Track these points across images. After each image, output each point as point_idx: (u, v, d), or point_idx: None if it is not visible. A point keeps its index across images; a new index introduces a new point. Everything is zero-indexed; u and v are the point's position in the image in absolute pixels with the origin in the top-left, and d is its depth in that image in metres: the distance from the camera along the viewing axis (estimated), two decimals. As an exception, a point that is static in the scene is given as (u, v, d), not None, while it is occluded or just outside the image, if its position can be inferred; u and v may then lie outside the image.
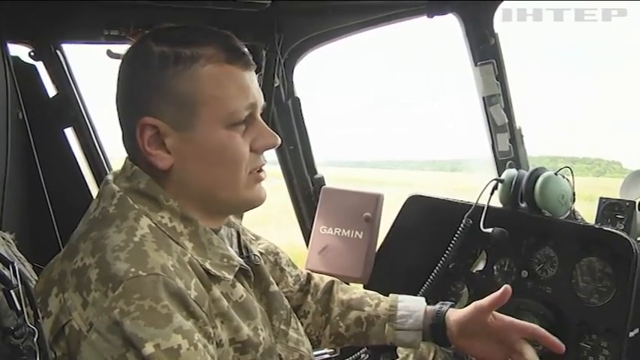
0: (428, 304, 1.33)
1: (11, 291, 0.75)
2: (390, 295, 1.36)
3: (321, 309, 1.35)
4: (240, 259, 1.03)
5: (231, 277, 0.99)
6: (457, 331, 1.26)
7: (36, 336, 0.76)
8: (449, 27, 1.82)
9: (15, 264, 0.79)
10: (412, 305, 1.31)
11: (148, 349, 0.79)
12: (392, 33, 2.04)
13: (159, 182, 0.97)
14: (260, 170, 1.03)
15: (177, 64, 0.94)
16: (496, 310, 1.26)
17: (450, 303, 1.31)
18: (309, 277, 1.38)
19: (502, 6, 1.76)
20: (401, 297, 1.34)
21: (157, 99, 0.95)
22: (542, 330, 1.23)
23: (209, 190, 0.99)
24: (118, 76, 1.00)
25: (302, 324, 1.25)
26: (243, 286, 1.04)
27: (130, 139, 0.98)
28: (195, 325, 0.86)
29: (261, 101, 1.03)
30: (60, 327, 0.85)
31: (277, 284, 1.20)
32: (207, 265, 0.95)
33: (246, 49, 1.01)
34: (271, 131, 1.03)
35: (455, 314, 1.28)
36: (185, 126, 0.95)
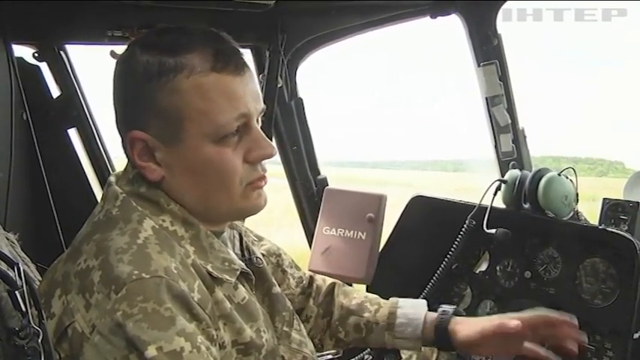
0: (430, 305, 1.32)
1: (16, 292, 0.75)
2: (391, 299, 1.34)
3: (322, 312, 1.34)
4: (241, 262, 1.03)
5: (233, 280, 0.98)
6: (466, 343, 1.24)
7: (40, 337, 0.76)
8: (452, 27, 1.82)
9: (20, 265, 0.79)
10: (411, 312, 1.29)
11: (151, 351, 0.79)
12: (396, 33, 2.04)
13: (159, 187, 0.97)
14: (260, 178, 1.00)
15: (161, 77, 0.91)
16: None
17: (451, 309, 1.28)
18: (311, 280, 1.38)
19: (502, 6, 1.76)
20: (401, 302, 1.32)
21: (143, 113, 0.94)
22: (548, 315, 1.24)
23: (203, 202, 0.97)
24: (112, 83, 0.99)
25: (305, 328, 1.25)
26: (245, 288, 1.03)
27: (124, 149, 0.99)
28: (198, 328, 0.86)
29: (257, 107, 0.98)
30: (63, 329, 0.85)
31: (279, 286, 1.20)
32: (209, 269, 0.95)
33: (238, 51, 0.97)
34: (267, 141, 0.98)
35: (463, 330, 1.23)
36: (172, 141, 0.94)
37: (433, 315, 1.28)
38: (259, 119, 1.01)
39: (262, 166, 1.00)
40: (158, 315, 0.82)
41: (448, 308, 1.28)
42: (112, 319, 0.81)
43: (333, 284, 1.38)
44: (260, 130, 0.99)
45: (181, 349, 0.81)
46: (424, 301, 1.33)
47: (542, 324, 1.23)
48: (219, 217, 1.01)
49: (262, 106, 1.01)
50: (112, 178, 1.01)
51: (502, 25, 1.78)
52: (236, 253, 1.08)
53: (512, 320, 1.19)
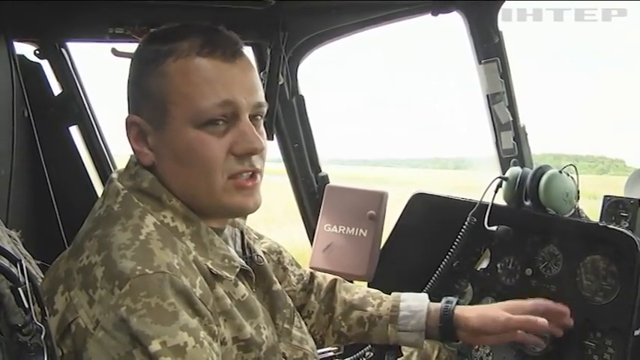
0: (431, 301, 1.32)
1: (19, 288, 0.76)
2: (393, 293, 1.35)
3: (324, 308, 1.35)
4: (241, 260, 1.03)
5: (232, 277, 0.99)
6: (470, 332, 1.26)
7: (43, 333, 0.76)
8: (452, 24, 1.82)
9: (22, 262, 0.79)
10: (414, 305, 1.30)
11: (155, 346, 0.80)
12: (396, 30, 2.04)
13: (161, 181, 0.98)
14: (251, 176, 0.97)
15: (153, 62, 0.94)
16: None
17: (455, 299, 1.30)
18: (312, 276, 1.38)
19: (502, 6, 1.75)
20: (403, 296, 1.33)
21: (138, 97, 0.97)
22: (548, 303, 1.30)
23: (187, 191, 0.97)
24: None
25: (306, 324, 1.26)
26: (245, 286, 1.03)
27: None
28: (200, 323, 0.86)
29: (249, 100, 0.95)
30: (66, 325, 0.86)
31: (280, 283, 1.20)
32: (209, 265, 0.96)
33: (232, 40, 0.96)
34: (255, 135, 0.95)
35: (469, 321, 1.26)
36: (160, 124, 0.95)
37: (437, 304, 1.29)
38: (259, 117, 1.00)
39: (251, 162, 0.97)
40: (162, 310, 0.82)
41: (450, 303, 1.29)
42: (116, 314, 0.82)
43: (335, 280, 1.38)
44: (251, 124, 0.96)
45: (185, 344, 0.82)
46: (425, 295, 1.34)
47: (543, 313, 1.27)
48: (203, 210, 0.99)
49: (259, 100, 0.98)
50: (114, 175, 1.01)
51: (503, 26, 1.78)
52: (237, 251, 1.08)
53: (539, 319, 1.23)
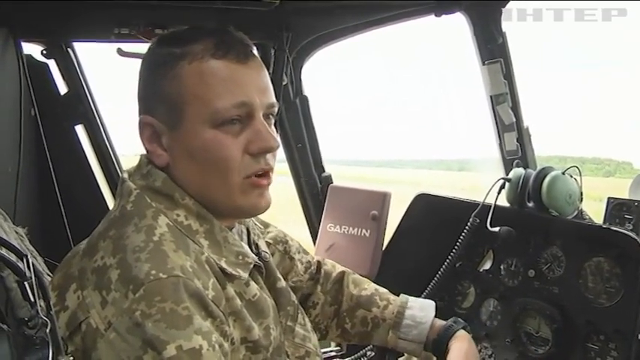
0: (436, 305, 1.31)
1: (25, 283, 0.77)
2: (401, 296, 1.34)
3: (330, 299, 1.34)
4: (254, 255, 1.03)
5: (246, 274, 0.99)
6: None
7: (48, 327, 0.77)
8: (456, 25, 1.82)
9: (29, 256, 0.80)
10: (419, 315, 1.28)
11: (170, 350, 0.80)
12: (400, 32, 2.04)
13: (175, 181, 0.98)
14: (262, 175, 0.98)
15: (166, 64, 0.95)
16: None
17: (461, 325, 1.27)
18: (319, 265, 1.37)
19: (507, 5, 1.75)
20: (410, 302, 1.31)
21: (152, 98, 0.98)
22: None
23: (203, 191, 0.97)
24: None
25: (310, 314, 1.25)
26: (257, 283, 1.04)
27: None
28: (212, 325, 0.87)
29: (263, 100, 0.97)
30: (77, 323, 0.87)
31: (287, 274, 1.21)
32: (223, 264, 0.96)
33: (244, 42, 0.97)
34: (270, 133, 0.97)
35: (455, 352, 1.21)
36: (174, 125, 0.96)
37: (441, 323, 1.27)
38: (271, 116, 1.01)
39: (266, 160, 0.98)
40: (176, 314, 0.83)
41: (457, 324, 1.26)
42: (130, 318, 0.82)
43: (343, 273, 1.37)
44: (265, 122, 0.98)
45: (200, 347, 0.82)
46: (432, 304, 1.31)
47: None
48: (219, 212, 1.00)
49: (272, 101, 0.99)
50: (125, 175, 1.02)
51: (506, 26, 1.77)
52: None
53: None
